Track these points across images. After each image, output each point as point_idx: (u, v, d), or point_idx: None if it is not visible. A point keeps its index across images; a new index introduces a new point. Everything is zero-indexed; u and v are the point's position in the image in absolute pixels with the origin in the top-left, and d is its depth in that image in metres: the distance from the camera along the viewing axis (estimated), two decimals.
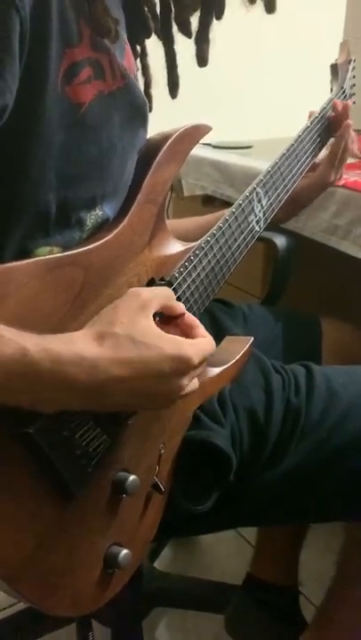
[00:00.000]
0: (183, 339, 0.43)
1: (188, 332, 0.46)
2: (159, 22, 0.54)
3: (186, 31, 0.54)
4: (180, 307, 0.46)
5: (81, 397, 0.39)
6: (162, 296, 0.45)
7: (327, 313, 0.82)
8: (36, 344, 0.37)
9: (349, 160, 1.00)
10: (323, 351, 0.77)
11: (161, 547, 1.04)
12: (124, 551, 0.46)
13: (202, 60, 0.55)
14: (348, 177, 0.86)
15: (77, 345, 0.39)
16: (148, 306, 0.43)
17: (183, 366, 0.42)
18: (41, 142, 0.42)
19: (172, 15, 0.53)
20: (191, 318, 0.47)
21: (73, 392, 0.39)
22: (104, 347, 0.40)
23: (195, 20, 0.54)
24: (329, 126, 0.74)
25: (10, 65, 0.38)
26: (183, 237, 0.55)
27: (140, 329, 0.41)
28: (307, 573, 0.84)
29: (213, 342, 0.46)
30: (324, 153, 0.74)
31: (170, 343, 0.42)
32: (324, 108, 0.74)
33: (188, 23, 0.53)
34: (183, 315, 0.46)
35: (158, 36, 0.56)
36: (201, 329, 0.46)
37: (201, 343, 0.44)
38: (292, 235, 0.86)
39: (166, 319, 0.45)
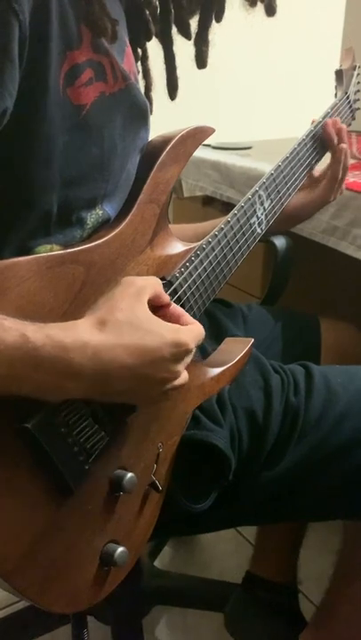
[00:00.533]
0: (179, 326, 0.45)
1: (175, 321, 0.46)
2: (159, 25, 0.55)
3: (185, 33, 0.54)
4: (167, 297, 0.47)
5: (84, 384, 0.40)
6: (152, 284, 0.46)
7: (326, 313, 0.82)
8: (36, 330, 0.38)
9: (349, 161, 1.00)
10: (322, 351, 0.78)
11: (161, 545, 1.04)
12: (121, 549, 0.46)
13: (201, 61, 0.55)
14: (347, 178, 0.86)
15: (79, 331, 0.40)
16: (143, 293, 0.44)
17: (182, 350, 0.43)
18: (43, 143, 0.43)
19: (172, 17, 0.54)
20: (177, 308, 0.48)
21: (76, 378, 0.39)
22: (106, 332, 0.40)
23: (194, 23, 0.54)
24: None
25: (9, 69, 0.39)
26: (185, 241, 0.56)
27: (139, 315, 0.42)
28: (306, 571, 0.84)
29: (202, 327, 0.47)
30: (326, 157, 0.74)
31: (169, 329, 0.43)
32: (328, 112, 0.74)
33: (188, 25, 0.54)
34: (170, 305, 0.47)
35: (159, 40, 0.56)
36: (187, 316, 0.48)
37: (194, 329, 0.46)
38: (292, 235, 0.86)
39: (152, 309, 0.45)
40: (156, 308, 0.46)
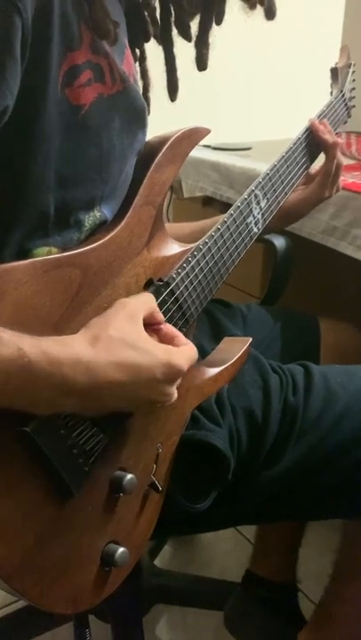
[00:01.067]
0: (172, 347, 0.45)
1: (169, 342, 0.47)
2: (158, 26, 0.55)
3: (185, 35, 0.54)
4: (161, 316, 0.47)
5: (76, 399, 0.40)
6: (147, 303, 0.46)
7: (325, 313, 0.82)
8: (32, 345, 0.38)
9: (348, 161, 1.01)
10: (321, 351, 0.78)
11: (161, 544, 1.05)
12: (121, 549, 0.47)
13: (201, 64, 0.55)
14: (346, 178, 0.86)
15: (74, 347, 0.40)
16: (137, 314, 0.44)
17: (173, 372, 0.43)
18: (41, 143, 0.43)
19: (172, 19, 0.54)
20: (171, 328, 0.48)
21: (68, 393, 0.39)
22: (98, 349, 0.40)
23: (195, 25, 0.54)
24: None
25: (11, 67, 0.39)
26: (187, 240, 0.56)
27: (132, 334, 0.42)
28: (305, 570, 0.84)
29: (195, 349, 0.47)
30: (321, 158, 0.74)
31: (161, 350, 0.43)
32: (323, 111, 0.74)
33: (188, 27, 0.54)
34: (162, 323, 0.47)
35: (157, 41, 0.56)
36: (181, 337, 0.47)
37: (187, 351, 0.46)
38: (291, 236, 0.87)
39: (146, 327, 0.45)
40: (149, 325, 0.46)
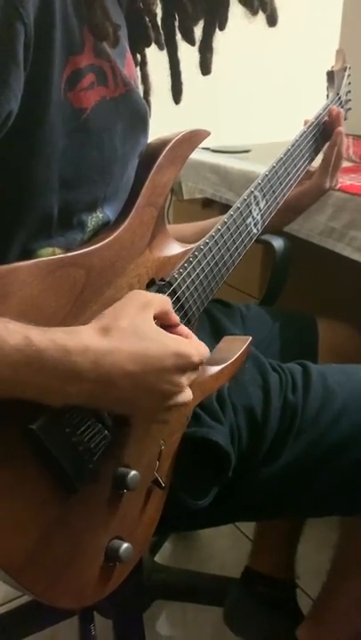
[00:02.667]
0: (182, 338, 0.45)
1: None
2: (160, 32, 0.55)
3: (189, 39, 0.55)
4: (176, 317, 0.47)
5: (85, 388, 0.40)
6: (162, 300, 0.46)
7: (323, 313, 0.83)
8: (40, 334, 0.38)
9: (345, 164, 1.02)
10: (319, 351, 0.78)
11: (162, 541, 1.05)
12: (125, 545, 0.47)
13: (205, 68, 0.56)
14: (344, 180, 0.87)
15: (82, 336, 0.40)
16: (150, 306, 0.44)
17: (184, 362, 0.43)
18: (44, 146, 0.43)
19: (176, 23, 0.54)
20: (185, 329, 0.48)
21: (78, 382, 0.39)
22: (109, 338, 0.40)
23: (198, 30, 0.55)
24: (324, 132, 0.74)
25: (15, 72, 0.39)
26: (189, 241, 0.56)
27: (142, 324, 0.42)
28: (304, 566, 0.85)
29: (207, 348, 0.47)
30: (319, 158, 0.75)
31: (172, 339, 0.43)
32: (320, 114, 0.75)
33: (192, 32, 0.54)
34: (178, 325, 0.47)
35: (158, 46, 0.57)
36: (195, 338, 0.47)
37: (199, 345, 0.46)
38: (290, 237, 0.87)
39: (160, 327, 0.45)
40: (164, 327, 0.46)
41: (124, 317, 0.42)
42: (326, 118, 0.74)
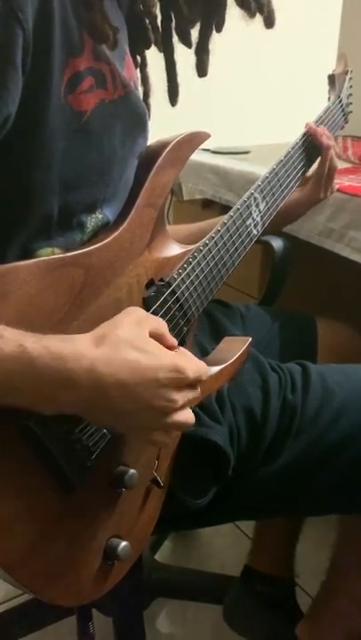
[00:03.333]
0: (181, 354, 0.44)
1: None
2: (159, 33, 0.55)
3: (186, 41, 0.55)
4: (173, 340, 0.45)
5: (79, 397, 0.39)
6: (158, 321, 0.45)
7: (322, 313, 0.83)
8: (34, 341, 0.38)
9: (344, 165, 1.02)
10: (318, 350, 0.78)
11: (162, 539, 1.05)
12: (124, 543, 0.47)
13: (202, 70, 0.56)
14: (343, 181, 0.87)
15: (77, 344, 0.40)
16: (146, 322, 0.44)
17: (178, 377, 0.42)
18: (44, 148, 0.44)
19: (173, 26, 0.54)
20: (184, 350, 0.46)
21: (72, 390, 0.39)
22: (103, 347, 0.40)
23: (195, 32, 0.55)
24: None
25: (13, 75, 0.40)
26: (185, 242, 0.57)
27: (138, 337, 0.42)
28: (303, 565, 0.85)
29: (206, 367, 0.46)
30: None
31: (167, 353, 0.43)
32: (321, 116, 0.75)
33: (188, 34, 0.54)
34: (175, 347, 0.45)
35: (158, 48, 0.57)
36: (195, 358, 0.45)
37: (197, 362, 0.45)
38: (289, 237, 0.87)
39: None
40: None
41: (120, 329, 0.42)
42: (310, 136, 0.73)
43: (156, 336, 0.44)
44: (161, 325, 0.45)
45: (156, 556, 1.02)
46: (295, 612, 0.81)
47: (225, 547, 1.08)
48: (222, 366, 0.56)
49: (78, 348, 0.40)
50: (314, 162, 0.74)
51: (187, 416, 0.44)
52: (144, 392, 0.41)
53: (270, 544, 0.84)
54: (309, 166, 0.74)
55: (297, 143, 0.71)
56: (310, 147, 0.72)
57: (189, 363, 0.43)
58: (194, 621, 0.95)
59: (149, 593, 0.91)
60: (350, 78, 0.83)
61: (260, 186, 0.64)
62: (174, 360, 0.42)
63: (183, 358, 0.43)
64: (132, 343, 0.41)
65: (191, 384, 0.43)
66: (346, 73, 0.83)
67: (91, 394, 0.40)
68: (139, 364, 0.41)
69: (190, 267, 0.55)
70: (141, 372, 0.41)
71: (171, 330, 0.52)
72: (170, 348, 0.44)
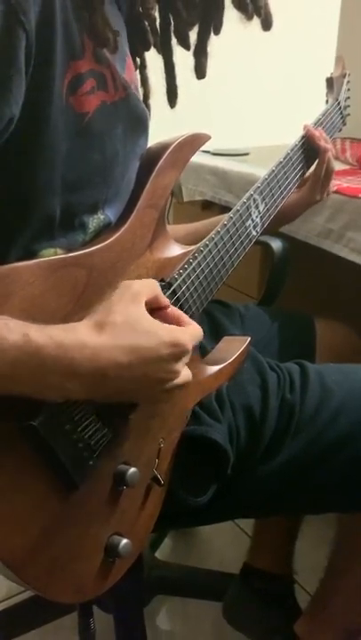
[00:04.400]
0: (175, 326, 0.46)
1: (173, 323, 0.47)
2: (158, 36, 0.55)
3: (184, 43, 0.55)
4: (166, 299, 0.48)
5: (83, 384, 0.40)
6: (150, 287, 0.47)
7: (321, 313, 0.83)
8: (38, 330, 0.39)
9: (343, 166, 1.03)
10: (317, 350, 0.79)
11: (162, 537, 1.06)
12: (125, 541, 0.48)
13: (200, 72, 0.56)
14: (341, 183, 0.88)
15: (79, 333, 0.41)
16: (140, 295, 0.45)
17: (178, 350, 0.44)
18: (47, 150, 0.44)
19: (172, 28, 0.55)
20: (175, 310, 0.48)
21: (75, 378, 0.40)
22: (103, 334, 0.41)
23: (193, 34, 0.55)
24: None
25: (16, 78, 0.40)
26: (182, 242, 0.57)
27: (135, 317, 0.43)
28: (302, 562, 0.85)
29: (200, 328, 0.48)
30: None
31: (165, 330, 0.44)
32: (319, 119, 0.76)
33: (187, 36, 0.55)
34: (168, 306, 0.48)
35: (157, 50, 0.57)
36: (185, 318, 0.48)
37: (191, 329, 0.47)
38: (288, 238, 0.88)
39: (150, 311, 0.46)
40: (155, 309, 0.47)
41: (117, 312, 0.43)
42: (307, 139, 0.74)
43: (151, 300, 0.45)
44: (152, 288, 0.47)
45: (157, 554, 1.02)
46: (294, 610, 0.81)
47: (224, 544, 1.08)
48: (222, 365, 0.56)
49: (80, 337, 0.40)
50: (312, 164, 0.75)
51: (187, 375, 0.46)
52: (147, 369, 0.43)
53: (269, 542, 0.85)
54: (308, 168, 0.74)
55: (296, 145, 0.71)
56: (309, 149, 0.73)
57: (186, 332, 0.45)
58: (193, 618, 0.96)
59: (149, 590, 0.91)
60: (348, 81, 0.84)
61: (259, 187, 0.64)
62: (173, 335, 0.44)
63: (180, 331, 0.45)
64: (131, 325, 0.42)
65: (190, 351, 0.45)
66: (344, 76, 0.83)
67: (94, 379, 0.41)
68: (139, 346, 0.42)
69: (191, 267, 0.55)
70: (142, 352, 0.42)
71: None
72: (164, 308, 0.47)
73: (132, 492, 0.50)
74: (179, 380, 0.46)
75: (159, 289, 0.48)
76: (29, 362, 0.38)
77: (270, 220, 0.67)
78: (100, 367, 0.40)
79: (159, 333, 0.43)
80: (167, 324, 0.45)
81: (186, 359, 0.46)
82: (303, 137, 0.73)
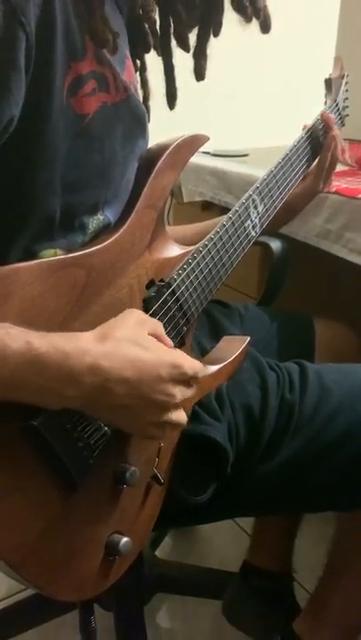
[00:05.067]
0: (177, 350, 0.46)
1: None
2: (158, 38, 0.56)
3: (184, 45, 0.55)
4: (169, 341, 0.47)
5: (82, 392, 0.40)
6: (156, 322, 0.47)
7: (320, 313, 0.84)
8: (41, 337, 0.39)
9: (342, 167, 1.03)
10: (316, 350, 0.79)
11: (162, 536, 1.06)
12: (125, 539, 0.48)
13: (199, 74, 0.56)
14: (340, 184, 0.88)
15: (81, 341, 0.41)
16: (146, 323, 0.45)
17: (178, 373, 0.44)
18: (47, 151, 0.44)
19: (171, 30, 0.55)
20: (179, 351, 0.48)
21: (76, 385, 0.40)
22: (106, 345, 0.41)
23: (193, 36, 0.56)
24: (322, 137, 0.75)
25: (16, 79, 0.40)
26: (181, 243, 0.57)
27: (139, 335, 0.44)
28: (301, 561, 0.86)
29: (203, 367, 0.48)
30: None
31: (167, 350, 0.44)
32: (318, 120, 0.76)
33: (186, 38, 0.55)
34: (170, 346, 0.47)
35: (157, 52, 0.57)
36: (189, 357, 0.47)
37: (193, 360, 0.47)
38: (287, 239, 0.88)
39: None
40: None
41: (122, 328, 0.43)
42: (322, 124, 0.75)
43: (154, 337, 0.46)
44: (159, 327, 0.47)
45: (157, 552, 1.02)
46: (293, 608, 0.81)
47: (224, 543, 1.08)
48: (221, 365, 0.57)
49: (81, 345, 0.41)
50: (311, 164, 0.75)
51: (181, 416, 0.46)
52: (145, 387, 0.42)
53: (269, 540, 0.85)
54: (307, 169, 0.75)
55: (295, 146, 0.71)
56: (308, 149, 0.73)
57: (187, 359, 0.46)
58: (193, 616, 0.96)
59: (150, 588, 0.91)
60: (346, 82, 0.84)
61: (258, 188, 0.65)
62: (174, 356, 0.44)
63: (181, 355, 0.46)
64: (134, 340, 0.43)
65: (188, 381, 0.45)
66: (342, 77, 0.83)
67: (94, 388, 0.41)
68: (140, 360, 0.42)
69: (190, 267, 0.56)
70: (143, 367, 0.42)
71: (171, 330, 0.53)
72: (167, 345, 0.46)
73: (133, 490, 0.50)
74: (174, 416, 0.45)
75: (163, 330, 0.47)
76: (31, 368, 0.38)
77: (270, 220, 0.67)
78: (100, 375, 0.40)
79: (160, 352, 0.44)
80: (169, 348, 0.45)
81: (186, 391, 0.45)
82: (302, 138, 0.73)
